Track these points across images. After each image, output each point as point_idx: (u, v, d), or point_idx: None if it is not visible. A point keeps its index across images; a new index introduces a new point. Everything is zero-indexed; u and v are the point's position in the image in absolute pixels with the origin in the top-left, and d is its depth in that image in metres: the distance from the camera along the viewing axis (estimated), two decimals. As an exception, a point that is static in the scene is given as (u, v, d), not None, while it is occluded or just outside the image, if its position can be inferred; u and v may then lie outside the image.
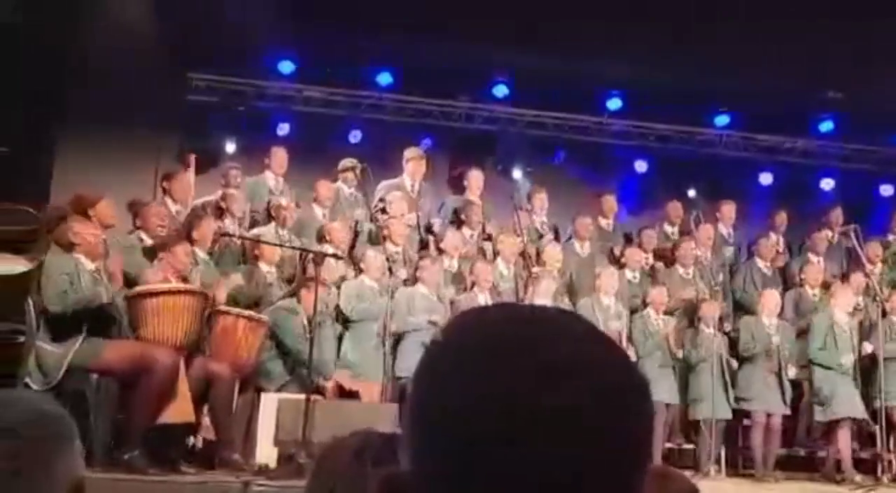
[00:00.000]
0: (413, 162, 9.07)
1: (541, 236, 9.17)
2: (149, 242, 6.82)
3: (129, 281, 6.27)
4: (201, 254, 6.95)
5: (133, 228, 7.11)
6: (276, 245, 7.58)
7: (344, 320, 7.57)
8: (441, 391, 0.83)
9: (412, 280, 7.87)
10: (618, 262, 8.97)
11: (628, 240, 9.60)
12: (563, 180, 10.09)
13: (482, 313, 0.89)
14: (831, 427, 8.14)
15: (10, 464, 1.27)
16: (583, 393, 0.79)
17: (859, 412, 8.10)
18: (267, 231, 7.88)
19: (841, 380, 8.14)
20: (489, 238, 8.89)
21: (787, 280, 9.38)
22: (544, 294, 7.97)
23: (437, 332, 0.88)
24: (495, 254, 8.51)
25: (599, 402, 0.80)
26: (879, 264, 9.26)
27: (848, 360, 8.15)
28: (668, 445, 8.26)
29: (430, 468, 0.82)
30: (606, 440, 0.79)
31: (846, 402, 8.06)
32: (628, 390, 0.83)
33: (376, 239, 8.30)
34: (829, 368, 8.15)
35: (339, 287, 7.64)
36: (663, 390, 8.01)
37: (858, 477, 7.88)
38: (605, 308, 8.18)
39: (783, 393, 8.21)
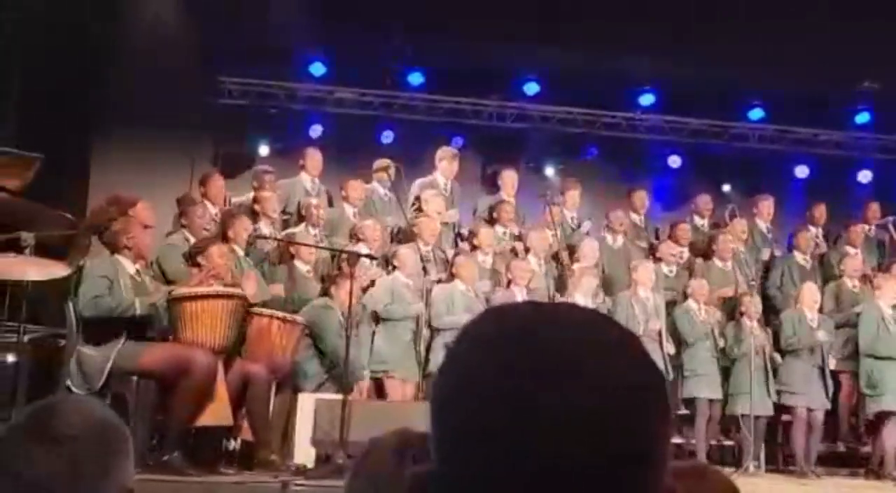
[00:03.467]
0: (446, 161, 9.07)
1: (573, 230, 9.14)
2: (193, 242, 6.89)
3: (169, 281, 6.35)
4: (240, 252, 7.00)
5: (178, 226, 7.17)
6: (312, 246, 7.62)
7: (376, 318, 7.59)
8: (457, 389, 0.84)
9: (448, 277, 7.88)
10: (653, 256, 8.93)
11: (658, 235, 9.53)
12: (596, 177, 10.05)
13: (501, 313, 0.89)
14: (879, 420, 8.04)
15: (71, 469, 1.29)
16: (590, 395, 0.80)
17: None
18: (299, 232, 7.91)
19: (893, 372, 8.03)
20: (520, 236, 8.87)
21: (826, 273, 9.27)
22: (585, 291, 7.95)
23: (459, 331, 0.89)
24: (526, 251, 8.49)
25: (607, 404, 0.80)
26: None
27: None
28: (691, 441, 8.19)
29: (450, 464, 0.83)
30: (613, 443, 0.80)
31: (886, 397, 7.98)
32: (639, 394, 0.82)
33: (406, 238, 8.30)
34: (884, 358, 8.04)
35: (366, 290, 7.64)
36: (707, 386, 7.99)
37: None
38: (644, 302, 8.14)
39: (825, 388, 8.13)
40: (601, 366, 0.81)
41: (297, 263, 7.53)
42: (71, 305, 5.55)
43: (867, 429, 8.35)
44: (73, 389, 5.43)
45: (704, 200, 9.69)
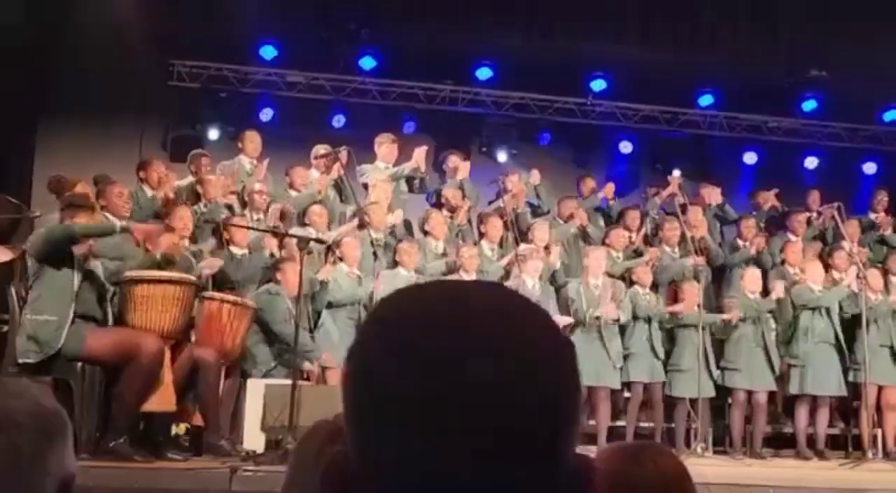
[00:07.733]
0: (385, 146, 8.94)
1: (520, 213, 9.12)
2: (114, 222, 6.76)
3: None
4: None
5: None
6: (263, 231, 7.54)
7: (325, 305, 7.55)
8: (367, 366, 0.84)
9: (393, 264, 7.87)
10: (602, 242, 8.96)
11: (608, 220, 9.55)
12: (549, 162, 10.08)
13: (412, 291, 0.90)
14: (797, 402, 8.27)
15: (12, 457, 1.26)
16: (499, 368, 0.80)
17: (830, 389, 8.18)
18: (241, 217, 7.81)
19: (817, 355, 8.20)
20: (470, 221, 8.84)
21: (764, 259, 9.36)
22: (532, 274, 7.98)
23: (368, 312, 0.89)
24: (480, 236, 8.49)
25: (515, 377, 0.81)
26: (856, 245, 9.22)
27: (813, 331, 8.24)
28: (646, 424, 8.29)
29: (362, 442, 0.83)
30: (522, 414, 0.80)
31: (813, 379, 8.16)
32: (548, 368, 0.83)
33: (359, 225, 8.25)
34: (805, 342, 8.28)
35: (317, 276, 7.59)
36: (642, 370, 8.08)
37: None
38: (593, 289, 8.18)
39: (770, 369, 8.25)
40: (510, 341, 0.82)
41: (233, 248, 7.43)
42: (13, 290, 5.46)
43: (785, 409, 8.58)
44: (30, 360, 5.29)
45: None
